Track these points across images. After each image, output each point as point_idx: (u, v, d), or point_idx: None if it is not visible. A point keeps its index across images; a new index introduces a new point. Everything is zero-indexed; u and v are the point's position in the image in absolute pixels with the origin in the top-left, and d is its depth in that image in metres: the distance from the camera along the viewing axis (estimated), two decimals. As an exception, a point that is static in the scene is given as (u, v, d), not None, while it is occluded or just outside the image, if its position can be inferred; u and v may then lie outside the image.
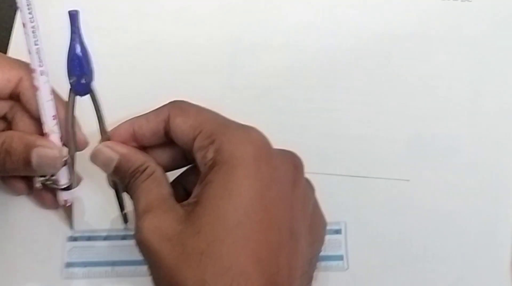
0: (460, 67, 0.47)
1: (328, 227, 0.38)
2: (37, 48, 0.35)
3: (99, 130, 0.37)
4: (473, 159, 0.45)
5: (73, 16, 0.34)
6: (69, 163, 0.39)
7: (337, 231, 0.43)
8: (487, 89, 0.46)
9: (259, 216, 0.31)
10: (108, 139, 0.37)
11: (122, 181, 0.37)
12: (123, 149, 0.37)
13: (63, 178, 0.39)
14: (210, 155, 0.33)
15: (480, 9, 0.48)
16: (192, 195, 0.33)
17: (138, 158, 0.36)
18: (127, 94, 0.47)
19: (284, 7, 0.49)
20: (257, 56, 0.47)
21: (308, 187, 0.36)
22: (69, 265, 0.42)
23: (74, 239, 0.42)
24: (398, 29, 0.48)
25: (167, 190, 0.35)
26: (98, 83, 0.36)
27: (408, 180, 0.44)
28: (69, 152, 0.38)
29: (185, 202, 0.33)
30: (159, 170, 0.36)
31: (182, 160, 0.38)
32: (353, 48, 0.47)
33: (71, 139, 0.38)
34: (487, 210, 0.44)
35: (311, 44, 0.47)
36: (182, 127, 0.35)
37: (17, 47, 0.47)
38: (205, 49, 0.48)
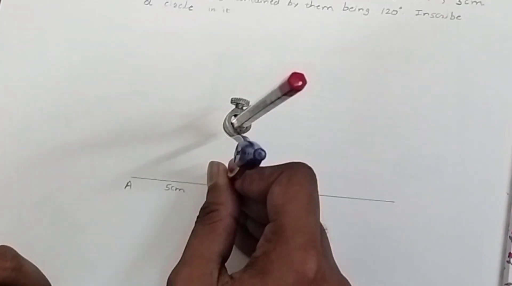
0: (447, 86, 0.46)
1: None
2: None
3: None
4: (459, 180, 0.44)
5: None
6: None
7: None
8: (474, 109, 0.46)
9: None
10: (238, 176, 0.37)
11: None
12: (221, 180, 0.37)
13: None
14: (257, 253, 0.32)
15: (470, 27, 0.47)
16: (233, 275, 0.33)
17: (219, 196, 0.37)
18: (111, 108, 0.46)
19: (268, 25, 0.48)
20: (240, 72, 0.47)
21: None
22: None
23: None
24: (385, 47, 0.47)
25: (217, 248, 0.34)
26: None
27: (393, 202, 0.44)
28: None
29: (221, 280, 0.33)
30: (225, 221, 0.35)
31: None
32: (339, 65, 0.47)
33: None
34: (473, 233, 0.43)
35: (296, 61, 0.47)
36: (270, 197, 0.34)
37: None
38: (189, 65, 0.47)
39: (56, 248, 0.43)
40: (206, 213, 0.36)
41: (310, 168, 0.35)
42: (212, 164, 0.39)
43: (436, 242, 0.43)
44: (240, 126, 0.39)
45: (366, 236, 0.43)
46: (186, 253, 0.35)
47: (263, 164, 0.33)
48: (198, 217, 0.37)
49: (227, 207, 0.36)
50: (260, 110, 0.33)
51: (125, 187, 0.45)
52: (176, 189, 0.44)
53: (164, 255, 0.43)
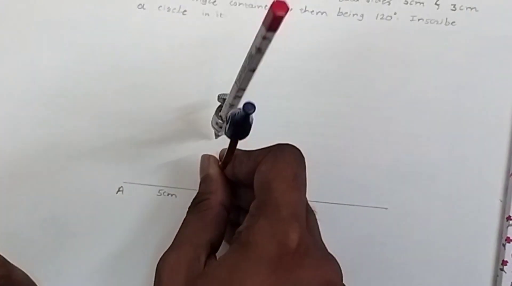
0: (442, 92, 0.46)
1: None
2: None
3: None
4: (453, 187, 0.44)
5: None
6: None
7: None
8: (468, 115, 0.46)
9: None
10: (229, 158, 0.37)
11: None
12: (212, 170, 0.38)
13: None
14: (241, 228, 0.33)
15: (464, 33, 0.47)
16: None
17: (209, 186, 0.37)
18: (103, 112, 0.46)
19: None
20: (234, 77, 0.46)
21: None
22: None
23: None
24: (379, 52, 0.47)
25: (207, 236, 0.34)
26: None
27: (386, 208, 0.44)
28: None
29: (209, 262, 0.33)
30: (215, 210, 0.36)
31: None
32: (333, 71, 0.46)
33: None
34: (466, 240, 0.43)
35: (289, 66, 0.46)
36: (257, 175, 0.34)
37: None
38: (181, 70, 0.47)
39: (46, 254, 0.43)
40: (197, 203, 0.37)
41: (297, 149, 0.35)
42: (203, 157, 0.40)
43: (429, 249, 0.43)
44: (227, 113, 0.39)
45: (359, 242, 0.43)
46: (175, 240, 0.35)
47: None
48: (189, 207, 0.37)
49: (217, 196, 0.37)
50: (246, 71, 0.32)
51: (117, 192, 0.44)
52: (168, 194, 0.44)
53: (156, 261, 0.43)
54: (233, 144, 0.36)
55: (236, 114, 0.32)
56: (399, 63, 0.47)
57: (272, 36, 0.29)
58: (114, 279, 0.43)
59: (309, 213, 0.35)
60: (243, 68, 0.33)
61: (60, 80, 0.47)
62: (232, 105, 0.37)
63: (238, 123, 0.32)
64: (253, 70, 0.32)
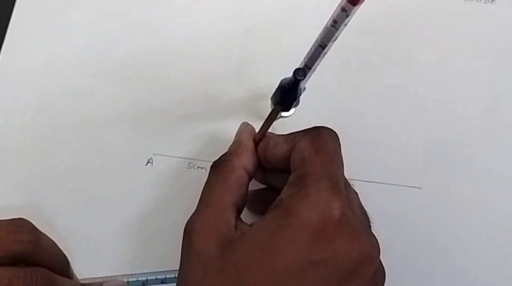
0: (479, 72, 0.45)
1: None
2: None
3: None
4: (487, 168, 0.44)
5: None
6: None
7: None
8: (506, 97, 0.45)
9: None
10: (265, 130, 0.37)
11: None
12: (243, 136, 0.38)
13: None
14: (282, 196, 0.32)
15: (504, 12, 0.46)
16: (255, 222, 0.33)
17: (236, 148, 0.37)
18: (134, 84, 0.46)
19: (285, 7, 0.47)
20: (267, 52, 0.46)
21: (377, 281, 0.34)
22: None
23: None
24: (417, 30, 0.46)
25: (230, 198, 0.34)
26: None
27: (420, 188, 0.43)
28: None
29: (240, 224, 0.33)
30: (237, 172, 0.35)
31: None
32: (367, 49, 0.46)
33: None
34: (500, 221, 0.43)
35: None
36: (295, 152, 0.34)
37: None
38: (215, 43, 0.46)
39: (74, 223, 0.43)
40: (217, 162, 0.36)
41: (334, 131, 0.35)
42: (242, 124, 0.40)
43: (462, 230, 0.42)
44: None
45: (392, 221, 0.43)
46: (200, 203, 0.35)
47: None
48: (211, 167, 0.37)
49: (240, 159, 0.36)
50: (316, 47, 0.31)
51: (146, 164, 0.44)
52: (198, 167, 0.44)
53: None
54: (274, 113, 0.35)
55: (286, 79, 0.32)
56: (436, 41, 0.46)
57: (351, 11, 0.28)
58: (141, 249, 0.43)
59: (348, 189, 0.35)
60: (315, 42, 0.31)
61: (91, 53, 0.46)
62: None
63: (285, 89, 0.32)
64: (323, 47, 0.31)
